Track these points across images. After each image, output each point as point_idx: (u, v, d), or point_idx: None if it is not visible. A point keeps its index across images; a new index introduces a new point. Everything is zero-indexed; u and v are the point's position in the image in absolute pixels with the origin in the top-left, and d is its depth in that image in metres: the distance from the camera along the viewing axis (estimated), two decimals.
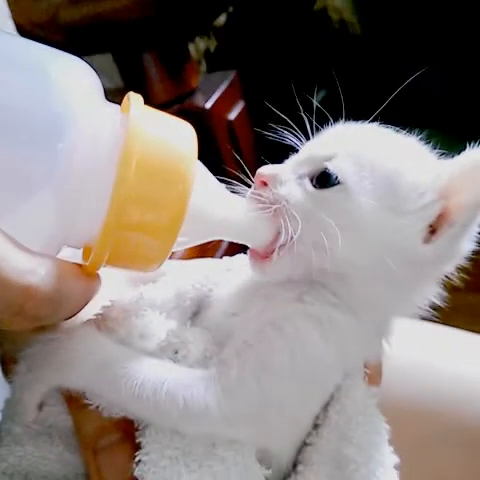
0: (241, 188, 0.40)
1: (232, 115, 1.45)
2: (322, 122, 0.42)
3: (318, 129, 0.42)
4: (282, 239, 0.37)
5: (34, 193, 0.29)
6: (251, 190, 0.39)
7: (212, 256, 0.51)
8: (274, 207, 0.37)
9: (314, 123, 0.41)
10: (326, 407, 0.38)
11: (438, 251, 0.37)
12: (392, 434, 0.40)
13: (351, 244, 0.36)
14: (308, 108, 0.42)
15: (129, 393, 0.33)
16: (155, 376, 0.34)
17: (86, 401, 0.35)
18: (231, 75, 1.50)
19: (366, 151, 0.39)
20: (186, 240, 0.36)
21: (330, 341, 0.36)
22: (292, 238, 0.36)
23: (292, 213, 0.37)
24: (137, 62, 1.38)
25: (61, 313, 0.32)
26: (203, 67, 1.80)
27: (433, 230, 0.37)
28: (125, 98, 0.34)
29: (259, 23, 1.72)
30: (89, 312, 0.36)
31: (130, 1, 1.30)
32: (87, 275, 0.33)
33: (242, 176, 0.41)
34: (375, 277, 0.37)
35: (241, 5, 1.70)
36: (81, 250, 0.35)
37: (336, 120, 0.42)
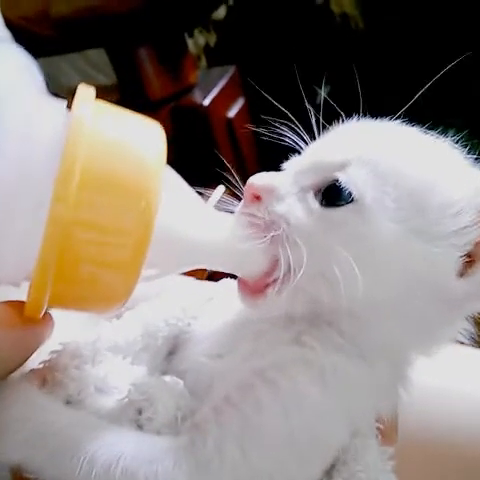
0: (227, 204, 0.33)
1: (232, 112, 1.40)
2: (326, 120, 0.34)
3: (325, 127, 0.34)
4: (280, 270, 0.29)
5: None
6: (240, 206, 0.32)
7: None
8: (271, 234, 0.29)
9: (321, 121, 0.33)
10: (330, 473, 0.31)
11: (475, 287, 0.29)
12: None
13: (368, 276, 0.28)
14: (310, 105, 0.35)
15: (74, 471, 0.26)
16: (109, 448, 0.27)
17: (27, 475, 0.28)
18: (231, 70, 1.45)
19: (387, 158, 0.30)
20: (156, 272, 0.28)
21: (334, 396, 0.29)
22: (293, 269, 0.29)
23: (293, 238, 0.29)
24: (132, 57, 1.33)
25: None
26: (203, 62, 1.75)
27: (470, 261, 0.30)
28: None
29: (260, 17, 1.69)
30: (33, 359, 0.29)
31: None
32: (26, 321, 0.26)
33: (243, 180, 0.33)
34: (395, 315, 0.30)
35: None
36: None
37: (339, 117, 0.34)
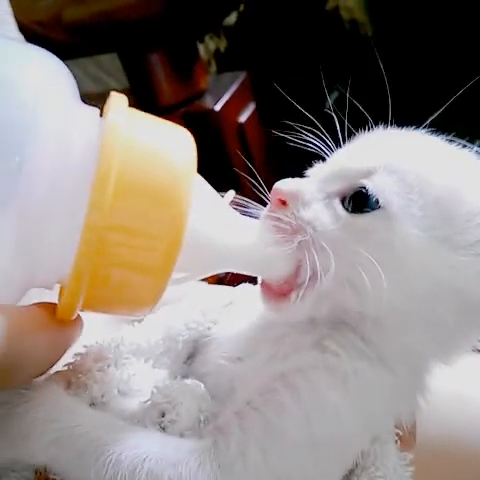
0: (253, 207, 0.33)
1: (242, 117, 1.40)
2: (335, 125, 0.34)
3: (335, 132, 0.34)
4: (305, 275, 0.29)
5: None
6: (266, 211, 0.32)
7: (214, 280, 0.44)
8: (298, 239, 0.29)
9: (341, 126, 0.33)
10: (349, 476, 0.31)
11: None
12: None
13: (393, 283, 0.28)
14: (319, 111, 0.35)
15: (100, 473, 0.26)
16: (134, 451, 0.27)
17: (52, 476, 0.28)
18: (241, 76, 1.45)
19: (413, 166, 0.30)
20: (185, 276, 0.29)
21: (355, 401, 0.29)
22: (319, 274, 0.29)
23: (320, 244, 0.29)
24: (143, 62, 1.34)
25: (22, 378, 0.26)
26: (213, 68, 1.75)
27: None
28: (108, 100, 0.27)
29: (270, 23, 1.68)
30: (58, 362, 0.29)
31: None
32: (59, 323, 0.26)
33: (255, 185, 0.34)
34: (418, 323, 0.30)
35: (252, 4, 1.66)
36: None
37: (351, 123, 0.34)
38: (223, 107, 1.32)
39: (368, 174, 0.30)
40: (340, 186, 0.31)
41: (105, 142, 0.23)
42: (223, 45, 1.78)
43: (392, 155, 0.31)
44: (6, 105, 0.22)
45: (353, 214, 0.30)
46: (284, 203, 0.31)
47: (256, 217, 0.32)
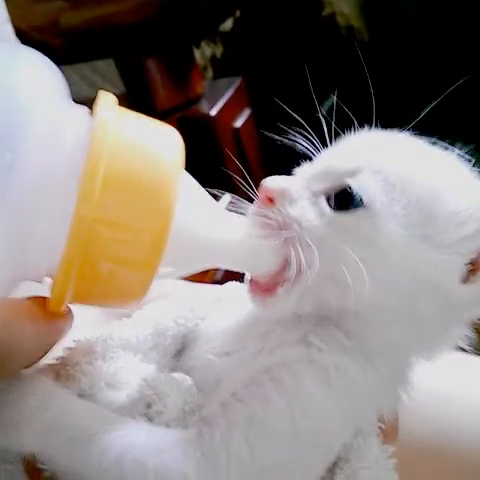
0: (245, 204, 0.33)
1: (238, 123, 1.40)
2: (330, 130, 0.35)
3: (334, 137, 0.35)
4: (290, 271, 0.30)
5: None
6: (254, 207, 0.32)
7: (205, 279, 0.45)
8: (284, 234, 0.30)
9: (328, 129, 0.34)
10: (333, 469, 0.32)
11: (478, 293, 0.30)
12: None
13: (375, 280, 0.29)
14: (314, 117, 0.35)
15: (88, 461, 0.27)
16: (121, 440, 0.27)
17: (41, 466, 0.29)
18: (237, 81, 1.46)
19: (397, 167, 0.31)
20: (171, 270, 0.29)
21: (338, 395, 0.30)
22: (304, 270, 0.30)
23: (305, 240, 0.30)
24: (140, 68, 1.34)
25: (11, 367, 0.26)
26: (209, 73, 1.76)
27: (474, 268, 0.31)
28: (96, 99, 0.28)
29: (266, 29, 1.69)
30: (47, 355, 0.30)
31: (133, 4, 1.26)
32: (49, 315, 0.27)
33: (250, 190, 0.34)
34: (400, 318, 0.31)
35: (248, 10, 1.67)
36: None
37: (345, 128, 0.35)
38: (219, 112, 1.33)
39: (353, 174, 0.31)
40: (326, 185, 0.32)
41: (94, 137, 0.24)
42: (219, 51, 1.79)
43: (376, 156, 0.32)
44: (1, 105, 0.23)
45: (338, 212, 0.31)
46: (271, 200, 0.32)
47: (243, 213, 0.32)
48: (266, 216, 0.31)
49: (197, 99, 1.38)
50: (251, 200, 0.34)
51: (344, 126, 0.35)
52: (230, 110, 1.39)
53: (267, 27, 1.69)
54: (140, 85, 1.33)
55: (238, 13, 1.68)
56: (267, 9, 1.70)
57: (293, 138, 0.35)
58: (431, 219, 0.30)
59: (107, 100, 0.26)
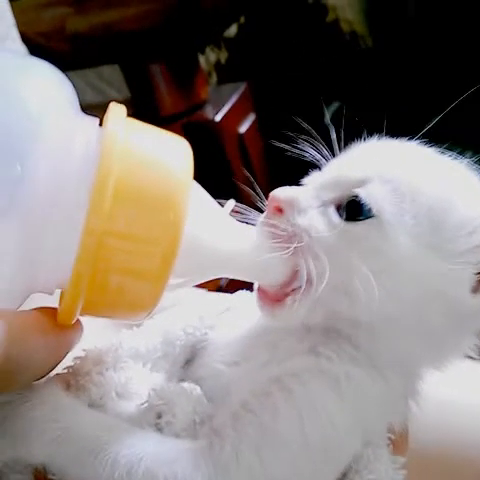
0: (252, 214, 0.33)
1: (243, 128, 1.41)
2: (335, 137, 0.35)
3: (338, 144, 0.35)
4: (300, 281, 0.30)
5: None
6: (263, 217, 0.32)
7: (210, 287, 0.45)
8: (294, 245, 0.30)
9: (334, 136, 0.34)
10: None
11: None
12: None
13: (385, 290, 0.29)
14: (319, 123, 0.36)
15: (98, 471, 0.27)
16: (131, 450, 0.27)
17: (51, 477, 0.29)
18: (242, 87, 1.46)
19: (406, 176, 0.31)
20: (182, 281, 0.29)
21: (348, 405, 0.30)
22: (314, 281, 0.30)
23: (315, 250, 0.30)
24: (145, 73, 1.35)
25: (22, 381, 0.26)
26: (214, 79, 1.76)
27: None
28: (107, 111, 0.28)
29: (270, 34, 1.69)
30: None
31: (138, 10, 1.27)
32: (59, 327, 0.27)
33: (254, 197, 0.34)
34: (409, 328, 0.31)
35: (252, 16, 1.67)
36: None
37: (349, 135, 0.35)
38: (223, 118, 1.33)
39: (362, 183, 0.31)
40: (335, 194, 0.32)
41: (104, 149, 0.24)
42: (224, 57, 1.80)
43: (385, 165, 0.32)
44: (11, 115, 0.23)
45: (347, 222, 0.31)
46: (280, 210, 0.31)
47: (253, 224, 0.32)
48: (275, 226, 0.31)
49: (202, 105, 1.38)
50: (256, 206, 0.34)
51: (348, 133, 0.35)
52: (235, 116, 1.39)
53: (271, 33, 1.70)
54: (145, 91, 1.33)
55: (242, 19, 1.69)
56: (271, 15, 1.70)
57: (300, 147, 0.35)
58: (440, 229, 0.30)
59: (117, 111, 0.26)
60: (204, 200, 0.29)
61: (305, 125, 0.35)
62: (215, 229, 0.29)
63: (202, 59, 1.64)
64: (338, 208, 0.31)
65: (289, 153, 0.35)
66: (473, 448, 0.46)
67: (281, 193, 0.32)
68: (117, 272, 0.25)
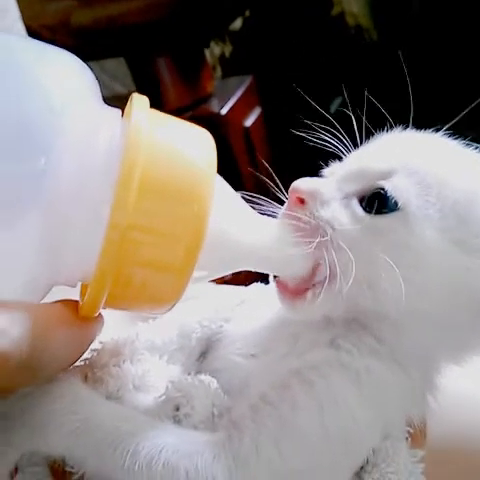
0: (268, 205, 0.33)
1: (248, 121, 1.40)
2: (339, 129, 0.34)
3: (339, 137, 0.34)
4: (322, 274, 0.30)
5: (12, 220, 0.23)
6: (285, 209, 0.32)
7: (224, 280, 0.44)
8: (317, 239, 0.30)
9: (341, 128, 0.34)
10: (360, 474, 0.31)
11: None
12: None
13: (409, 284, 0.29)
14: (323, 116, 0.35)
15: (118, 463, 0.27)
16: (150, 442, 0.27)
17: (69, 469, 0.29)
18: (247, 80, 1.45)
19: (431, 168, 0.31)
20: (205, 274, 0.29)
21: (368, 398, 0.30)
22: (338, 274, 0.29)
23: (338, 243, 0.30)
24: (150, 67, 1.35)
25: (47, 374, 0.26)
26: (218, 72, 1.76)
27: None
28: (128, 102, 0.28)
29: (275, 28, 1.69)
30: None
31: (144, 3, 1.26)
32: (82, 320, 0.26)
33: (259, 188, 0.34)
34: (432, 323, 0.31)
35: (257, 9, 1.67)
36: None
37: (352, 126, 0.34)
38: (229, 111, 1.33)
39: (387, 175, 0.30)
40: (358, 186, 0.31)
41: (129, 142, 0.24)
42: (228, 50, 1.79)
43: (410, 157, 0.31)
44: (33, 107, 0.23)
45: (371, 215, 0.30)
46: (302, 202, 0.31)
47: (274, 216, 0.32)
48: (298, 218, 0.31)
49: (207, 98, 1.38)
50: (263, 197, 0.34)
51: (354, 126, 0.34)
52: (240, 109, 1.38)
53: (276, 26, 1.69)
54: (150, 84, 1.33)
55: (247, 12, 1.68)
56: (276, 8, 1.70)
57: (319, 136, 0.34)
58: (466, 223, 0.30)
59: (140, 103, 0.26)
60: (227, 193, 0.29)
61: (323, 112, 0.35)
62: (238, 222, 0.29)
63: (207, 52, 1.63)
64: (361, 201, 0.31)
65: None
66: None
67: (303, 184, 0.31)
68: (141, 265, 0.25)
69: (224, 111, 1.32)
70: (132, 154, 0.24)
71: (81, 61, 0.26)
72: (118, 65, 1.46)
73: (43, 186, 0.23)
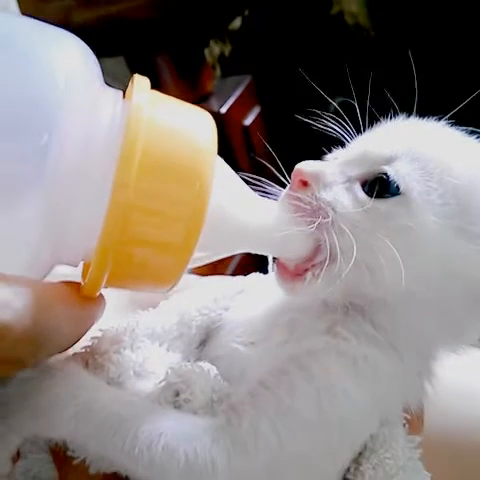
0: (271, 188, 0.33)
1: (248, 120, 1.41)
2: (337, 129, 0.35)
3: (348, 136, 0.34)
4: (322, 256, 0.30)
5: (15, 198, 0.23)
6: (287, 191, 0.32)
7: (223, 272, 0.45)
8: (318, 220, 0.30)
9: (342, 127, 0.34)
10: (358, 460, 0.32)
11: None
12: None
13: (408, 269, 0.29)
14: (322, 116, 0.35)
15: (118, 446, 0.27)
16: (150, 426, 0.27)
17: (70, 453, 0.29)
18: (246, 80, 1.46)
19: (434, 155, 0.31)
20: (205, 255, 0.29)
21: (365, 385, 0.30)
22: (338, 256, 0.30)
23: (339, 226, 0.30)
24: (150, 65, 1.35)
25: (48, 350, 0.26)
26: (217, 72, 1.76)
27: None
28: (130, 83, 0.28)
29: (275, 27, 1.69)
30: (76, 344, 0.30)
31: (143, 2, 1.27)
32: (84, 299, 0.27)
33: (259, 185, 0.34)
34: (429, 308, 0.31)
35: (257, 9, 1.67)
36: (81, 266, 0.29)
37: (351, 123, 0.34)
38: (228, 110, 1.33)
39: (389, 160, 0.31)
40: (361, 171, 0.32)
41: (130, 121, 0.24)
42: (228, 49, 1.79)
43: (413, 143, 0.32)
44: (37, 85, 0.23)
45: (373, 199, 0.31)
46: (305, 184, 0.31)
47: (275, 198, 0.32)
48: (299, 200, 0.31)
49: (207, 97, 1.38)
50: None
51: (354, 124, 0.35)
52: (239, 108, 1.39)
53: (275, 26, 1.69)
54: (150, 83, 1.33)
55: (247, 12, 1.68)
56: (275, 8, 1.70)
57: (324, 123, 0.34)
58: (466, 210, 0.30)
59: (142, 84, 0.26)
60: (228, 174, 0.29)
61: (332, 102, 0.35)
62: (239, 203, 0.29)
63: (206, 52, 1.64)
64: (364, 185, 0.31)
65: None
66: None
67: (306, 167, 0.32)
68: (143, 244, 0.25)
69: (223, 110, 1.33)
70: (133, 133, 0.24)
71: (84, 44, 0.26)
72: (118, 65, 1.46)
73: (46, 163, 0.23)
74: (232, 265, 0.92)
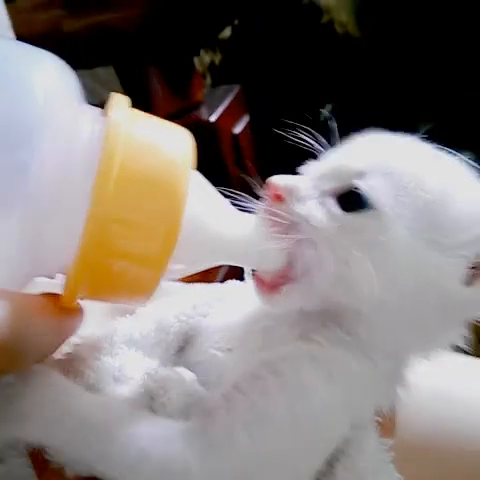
0: (247, 202, 0.34)
1: (237, 129, 1.42)
2: (329, 138, 0.35)
3: (328, 144, 0.35)
4: (297, 269, 0.31)
5: None
6: (263, 205, 0.33)
7: (212, 280, 0.46)
8: (293, 235, 0.31)
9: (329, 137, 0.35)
10: (331, 462, 0.33)
11: (478, 295, 0.31)
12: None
13: (381, 281, 0.30)
14: (312, 125, 0.36)
15: (94, 450, 0.28)
16: (126, 430, 0.28)
17: (49, 457, 0.30)
18: (236, 89, 1.47)
19: (405, 169, 0.32)
20: (181, 267, 0.30)
21: (338, 390, 0.31)
22: (312, 269, 0.31)
23: (313, 240, 0.31)
24: (140, 75, 1.36)
25: (24, 362, 0.27)
26: (208, 81, 1.77)
27: (477, 271, 0.31)
28: (108, 101, 0.29)
29: (265, 37, 1.70)
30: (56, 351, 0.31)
31: (133, 12, 1.28)
32: (62, 310, 0.27)
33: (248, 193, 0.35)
34: (402, 317, 0.32)
35: (246, 18, 1.68)
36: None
37: (344, 135, 0.35)
38: (218, 118, 1.35)
39: (362, 175, 0.31)
40: (334, 185, 0.32)
41: (107, 138, 0.25)
42: (218, 58, 1.81)
43: (385, 157, 0.32)
44: (16, 103, 0.24)
45: (346, 213, 0.31)
46: (279, 197, 0.32)
47: (251, 212, 0.33)
48: (275, 214, 0.31)
49: (197, 106, 1.39)
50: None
51: (342, 134, 0.36)
52: (229, 116, 1.40)
53: (266, 35, 1.70)
54: (140, 92, 1.34)
55: (237, 21, 1.70)
56: (265, 17, 1.71)
57: (300, 136, 0.35)
58: (438, 223, 0.31)
59: (120, 101, 0.27)
60: (204, 187, 0.30)
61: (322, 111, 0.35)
62: (216, 216, 0.30)
63: (196, 61, 1.65)
64: (337, 198, 0.32)
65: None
66: (463, 440, 0.47)
67: (280, 181, 0.32)
68: (119, 257, 0.26)
69: (213, 118, 1.34)
70: (110, 149, 0.25)
71: (64, 62, 0.27)
72: (109, 73, 1.47)
73: (25, 179, 0.24)
74: (221, 273, 0.93)
